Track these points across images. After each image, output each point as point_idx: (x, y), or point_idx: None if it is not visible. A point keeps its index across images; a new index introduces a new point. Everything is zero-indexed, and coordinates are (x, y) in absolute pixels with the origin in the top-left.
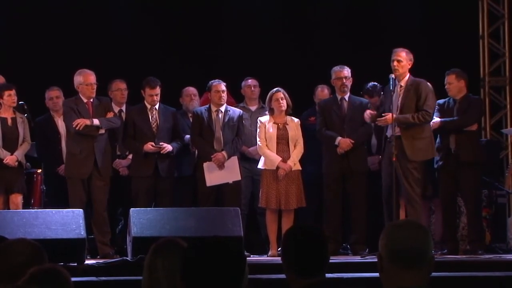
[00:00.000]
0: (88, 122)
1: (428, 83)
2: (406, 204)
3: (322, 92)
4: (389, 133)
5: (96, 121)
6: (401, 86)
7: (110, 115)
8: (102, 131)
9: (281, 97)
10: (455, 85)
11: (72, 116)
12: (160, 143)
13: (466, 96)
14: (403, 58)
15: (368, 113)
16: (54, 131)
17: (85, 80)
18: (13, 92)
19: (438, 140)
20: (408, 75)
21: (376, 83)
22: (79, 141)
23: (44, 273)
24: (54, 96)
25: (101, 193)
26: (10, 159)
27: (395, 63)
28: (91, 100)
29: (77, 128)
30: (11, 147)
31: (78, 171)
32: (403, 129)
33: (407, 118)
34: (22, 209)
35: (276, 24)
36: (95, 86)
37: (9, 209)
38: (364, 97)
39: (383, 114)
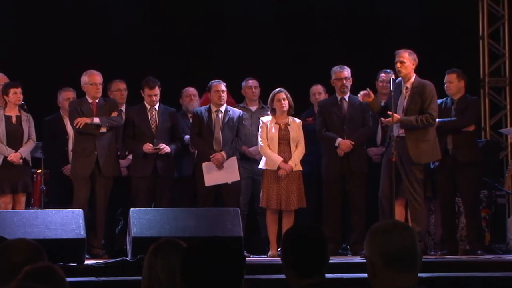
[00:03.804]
0: (88, 120)
1: (433, 86)
2: (408, 204)
3: (316, 88)
4: (392, 133)
5: (96, 120)
6: (407, 87)
7: (114, 114)
8: (103, 129)
9: (283, 97)
10: (455, 84)
11: (75, 116)
12: (159, 145)
13: (464, 96)
14: (405, 59)
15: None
16: (62, 131)
17: (90, 80)
18: (18, 90)
19: None
20: (414, 76)
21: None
22: (81, 140)
23: (39, 272)
24: (66, 97)
25: (99, 192)
26: (14, 156)
27: (398, 64)
28: (97, 100)
29: (77, 126)
30: (15, 145)
31: (80, 170)
32: (407, 131)
33: (411, 121)
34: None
35: (276, 24)
36: (100, 87)
37: (14, 208)
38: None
39: (388, 112)
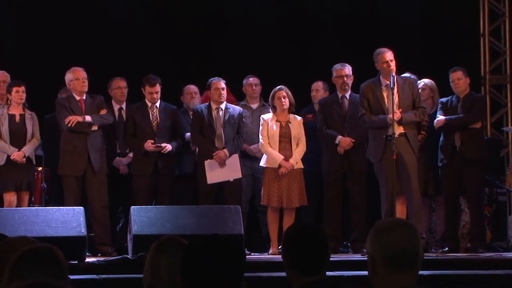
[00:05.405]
0: (80, 118)
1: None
2: (408, 201)
3: (316, 84)
4: (390, 131)
5: (88, 118)
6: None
7: (103, 112)
8: (94, 127)
9: (283, 95)
10: (464, 80)
11: (64, 114)
12: (161, 143)
13: (470, 93)
14: (393, 57)
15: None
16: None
17: (75, 75)
18: (21, 88)
19: (442, 138)
20: None
21: None
22: (72, 139)
23: (36, 252)
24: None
25: (96, 190)
26: (17, 155)
27: (390, 63)
28: (84, 97)
29: (69, 125)
30: (18, 144)
31: (72, 169)
32: (408, 127)
33: (411, 116)
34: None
35: (276, 22)
36: (85, 81)
37: (18, 206)
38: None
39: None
